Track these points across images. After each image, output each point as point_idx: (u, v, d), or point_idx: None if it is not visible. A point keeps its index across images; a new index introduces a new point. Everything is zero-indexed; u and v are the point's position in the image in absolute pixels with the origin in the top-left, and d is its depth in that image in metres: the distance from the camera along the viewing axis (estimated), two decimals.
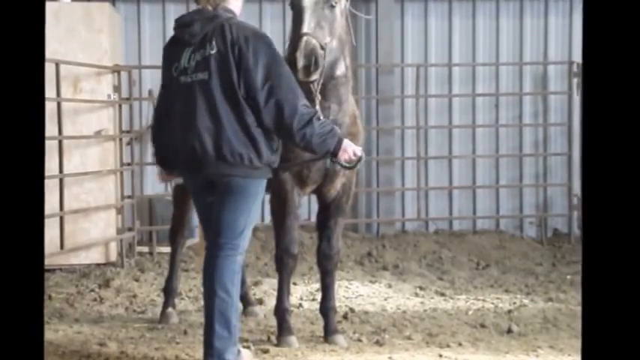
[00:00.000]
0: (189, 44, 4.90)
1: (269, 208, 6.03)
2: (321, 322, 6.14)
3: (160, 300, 7.08)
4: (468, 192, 11.16)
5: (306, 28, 5.27)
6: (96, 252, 9.00)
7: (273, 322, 6.11)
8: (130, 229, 9.47)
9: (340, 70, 5.64)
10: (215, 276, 4.84)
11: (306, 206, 8.65)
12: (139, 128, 10.14)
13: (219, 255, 4.86)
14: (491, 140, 11.17)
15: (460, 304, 7.49)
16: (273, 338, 5.94)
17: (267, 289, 7.72)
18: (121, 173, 9.36)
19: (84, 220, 8.91)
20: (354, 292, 7.96)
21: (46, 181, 6.11)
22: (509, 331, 6.45)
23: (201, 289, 5.19)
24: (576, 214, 10.83)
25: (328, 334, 5.99)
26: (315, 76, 5.29)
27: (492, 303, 7.54)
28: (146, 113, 10.30)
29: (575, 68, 10.76)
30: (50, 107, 8.23)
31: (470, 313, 7.16)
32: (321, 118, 5.08)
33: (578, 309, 7.16)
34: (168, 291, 6.72)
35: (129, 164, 9.56)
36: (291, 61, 5.17)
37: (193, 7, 5.12)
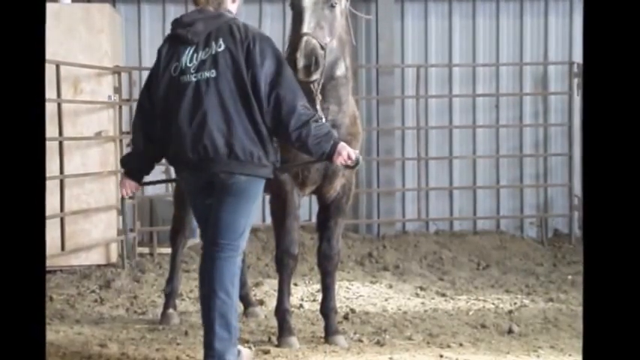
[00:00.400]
0: (191, 43, 4.90)
1: (269, 209, 6.04)
2: (321, 323, 6.14)
3: (161, 301, 7.08)
4: (468, 192, 11.16)
5: (306, 28, 5.27)
6: (96, 253, 9.00)
7: (273, 322, 6.11)
8: (130, 230, 9.47)
9: (340, 70, 5.64)
10: (216, 277, 4.84)
11: (306, 207, 8.65)
12: None
13: (220, 256, 4.86)
14: (492, 141, 11.17)
15: (461, 305, 7.49)
16: (274, 339, 5.95)
17: (267, 290, 7.72)
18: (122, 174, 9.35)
19: (84, 221, 8.91)
20: (355, 292, 7.96)
21: (47, 183, 6.11)
22: (510, 331, 6.45)
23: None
24: (577, 215, 10.82)
25: (329, 334, 5.99)
26: (315, 76, 5.29)
27: (493, 303, 7.54)
28: None
29: (575, 68, 10.76)
30: (50, 108, 8.23)
31: (470, 313, 7.16)
32: (321, 120, 5.08)
33: (579, 309, 7.17)
34: (169, 292, 6.72)
35: None
36: (292, 61, 5.18)
37: (192, 8, 5.11)
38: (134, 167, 5.22)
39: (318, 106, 5.42)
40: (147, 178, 5.34)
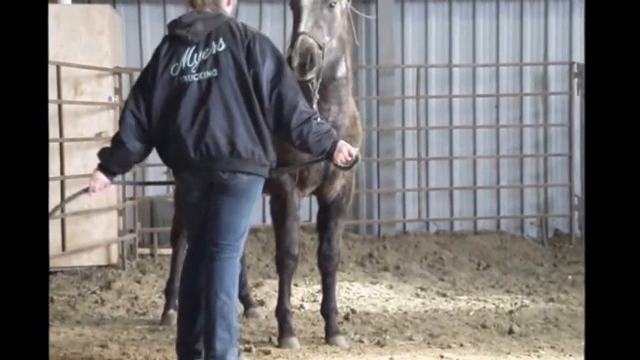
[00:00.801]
0: (191, 44, 4.90)
1: (269, 210, 6.05)
2: (322, 323, 6.15)
3: (162, 302, 7.09)
4: (468, 193, 11.16)
5: (302, 27, 5.27)
6: (97, 254, 9.01)
7: (274, 323, 6.12)
8: (131, 231, 9.48)
9: (341, 71, 5.64)
10: (216, 279, 4.84)
11: (307, 207, 8.65)
12: None
13: (220, 257, 4.85)
14: (492, 141, 11.17)
15: (461, 305, 7.49)
16: (275, 339, 5.95)
17: (268, 291, 7.72)
18: (122, 175, 9.35)
19: (85, 222, 8.91)
20: (356, 293, 7.96)
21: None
22: (511, 331, 6.46)
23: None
24: (577, 215, 10.83)
25: (329, 335, 6.00)
26: (310, 75, 5.28)
27: (493, 303, 7.55)
28: None
29: (575, 69, 10.76)
30: (51, 109, 8.22)
31: (471, 313, 7.17)
32: (319, 119, 5.09)
33: (580, 309, 7.18)
34: (170, 293, 6.73)
35: None
36: (288, 59, 5.19)
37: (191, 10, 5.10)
38: (113, 163, 5.08)
39: (315, 106, 5.42)
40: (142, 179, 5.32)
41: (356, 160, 5.09)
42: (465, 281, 8.68)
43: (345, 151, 4.99)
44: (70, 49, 8.72)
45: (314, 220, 6.38)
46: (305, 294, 7.78)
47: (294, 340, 5.85)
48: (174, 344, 5.18)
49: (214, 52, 4.85)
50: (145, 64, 10.67)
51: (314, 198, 6.21)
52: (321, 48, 5.28)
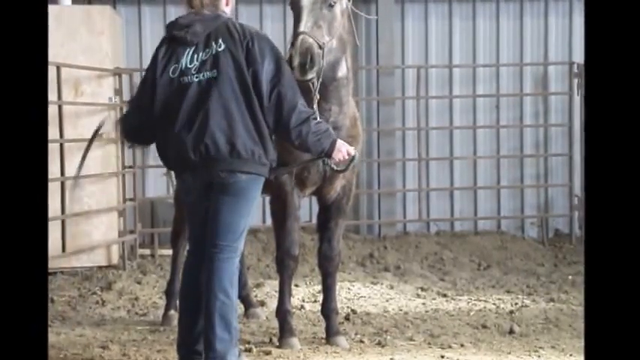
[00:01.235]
0: (190, 44, 4.90)
1: (269, 210, 6.05)
2: (322, 324, 6.15)
3: (162, 302, 7.09)
4: (469, 193, 11.16)
5: (302, 27, 5.28)
6: (98, 255, 9.01)
7: (274, 323, 6.12)
8: (131, 232, 9.48)
9: (342, 71, 5.63)
10: (215, 279, 4.84)
11: (307, 208, 8.66)
12: None
13: (219, 257, 4.85)
14: (492, 141, 11.17)
15: (462, 305, 7.49)
16: (275, 340, 5.95)
17: (268, 291, 7.73)
18: (123, 176, 9.37)
19: (86, 223, 8.92)
20: (356, 293, 7.96)
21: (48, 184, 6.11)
22: (511, 331, 6.46)
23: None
24: (577, 215, 10.83)
25: (330, 335, 6.00)
26: (311, 75, 5.28)
27: (494, 304, 7.55)
28: None
29: (575, 69, 10.77)
30: (51, 110, 8.24)
31: (472, 313, 7.17)
32: (318, 118, 5.10)
33: (580, 309, 7.18)
34: (171, 293, 6.73)
35: (130, 167, 9.57)
36: (288, 59, 5.19)
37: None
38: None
39: (315, 106, 5.42)
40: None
41: (352, 160, 5.11)
42: (465, 281, 8.69)
43: (344, 150, 5.05)
44: (70, 49, 8.72)
45: (314, 221, 6.38)
46: (306, 294, 7.78)
47: (295, 341, 5.85)
48: (175, 345, 5.19)
49: (214, 52, 4.85)
50: (145, 65, 10.73)
51: (314, 198, 6.21)
52: (321, 48, 5.28)
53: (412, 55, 11.13)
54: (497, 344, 6.07)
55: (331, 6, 5.40)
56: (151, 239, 10.00)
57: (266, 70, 4.84)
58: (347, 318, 6.82)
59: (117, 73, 9.13)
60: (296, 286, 7.76)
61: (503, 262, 9.73)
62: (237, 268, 4.97)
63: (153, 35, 10.56)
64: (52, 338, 6.04)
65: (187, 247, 5.26)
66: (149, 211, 10.37)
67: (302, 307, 7.27)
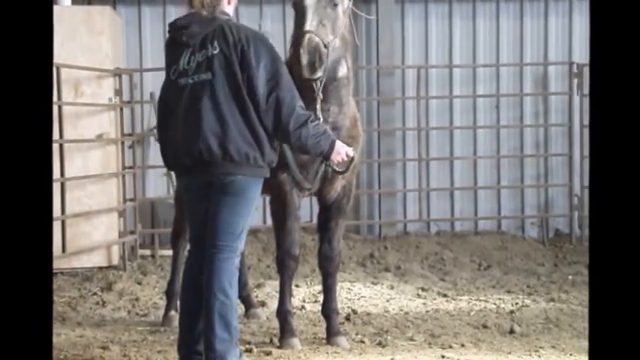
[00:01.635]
0: (188, 46, 4.91)
1: (270, 210, 6.04)
2: (323, 324, 6.15)
3: (163, 303, 7.09)
4: (469, 193, 11.16)
5: (308, 25, 5.27)
6: (98, 255, 9.01)
7: (275, 324, 6.12)
8: (132, 232, 9.48)
9: (342, 71, 5.63)
10: (214, 279, 4.84)
11: (307, 208, 8.66)
12: (141, 131, 10.17)
13: (219, 257, 4.86)
14: (492, 141, 11.18)
15: (462, 305, 7.49)
16: (276, 340, 5.95)
17: (269, 292, 7.73)
18: (123, 176, 9.37)
19: (86, 224, 8.92)
20: (357, 293, 7.96)
21: None
22: (512, 331, 6.46)
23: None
24: (577, 214, 10.83)
25: (330, 335, 6.00)
26: (319, 74, 5.28)
27: (494, 304, 7.55)
28: (147, 116, 10.33)
29: (575, 69, 10.76)
30: None
31: (472, 313, 7.17)
32: (321, 118, 5.10)
33: (580, 309, 7.19)
34: (171, 294, 6.73)
35: (131, 167, 9.57)
36: (295, 58, 5.17)
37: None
38: None
39: (319, 106, 5.42)
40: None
41: (352, 161, 5.12)
42: (465, 281, 8.68)
43: (343, 152, 5.06)
44: (70, 50, 8.72)
45: (315, 221, 6.38)
46: (306, 295, 7.78)
47: (296, 341, 5.85)
48: (176, 345, 5.19)
49: (209, 54, 4.86)
50: (145, 66, 10.79)
51: (315, 198, 6.21)
52: (325, 46, 5.28)
53: (412, 55, 11.12)
54: (497, 344, 6.07)
55: (335, 5, 5.41)
56: (152, 240, 10.00)
57: (262, 73, 4.81)
58: (347, 318, 6.82)
59: (117, 73, 9.13)
60: (296, 286, 7.77)
61: (504, 262, 9.72)
62: (237, 268, 4.97)
63: (153, 36, 10.58)
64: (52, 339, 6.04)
65: (188, 248, 5.27)
66: (149, 211, 10.37)
67: (302, 307, 7.27)
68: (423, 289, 8.17)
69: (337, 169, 5.38)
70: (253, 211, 5.07)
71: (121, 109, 9.27)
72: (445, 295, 7.92)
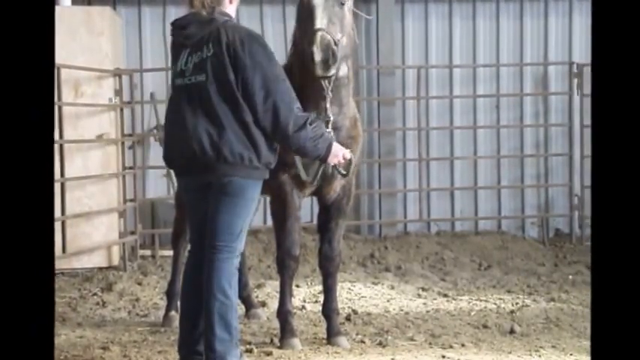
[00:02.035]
0: (186, 46, 4.92)
1: (270, 210, 6.04)
2: (323, 324, 6.15)
3: (163, 303, 7.08)
4: (469, 193, 11.16)
5: (319, 23, 5.25)
6: (98, 256, 9.01)
7: (275, 324, 6.12)
8: (132, 233, 9.48)
9: (343, 71, 5.61)
10: (213, 280, 4.84)
11: (308, 208, 8.66)
12: (141, 132, 10.17)
13: (218, 258, 4.86)
14: (493, 141, 11.18)
15: (463, 305, 7.49)
16: (276, 340, 5.95)
17: (269, 292, 7.73)
18: (123, 177, 9.37)
19: (86, 224, 8.92)
20: (357, 293, 7.96)
21: None
22: (512, 331, 6.46)
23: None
24: (577, 214, 10.83)
25: (331, 335, 5.99)
26: (332, 71, 5.27)
27: (495, 303, 7.55)
28: (148, 116, 10.33)
29: (575, 69, 10.76)
30: None
31: (472, 313, 7.17)
32: (331, 118, 5.09)
33: (580, 309, 7.19)
34: (171, 294, 6.73)
35: (131, 168, 9.57)
36: (308, 56, 5.15)
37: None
38: None
39: (328, 105, 5.41)
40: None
41: (350, 163, 5.12)
42: (466, 281, 8.68)
43: (340, 155, 5.06)
44: (70, 50, 8.71)
45: (315, 221, 6.38)
46: (306, 295, 7.78)
47: (296, 341, 5.84)
48: (176, 346, 5.19)
49: (204, 56, 4.86)
50: (145, 66, 10.79)
51: (315, 199, 6.21)
52: (336, 44, 5.28)
53: (412, 55, 11.12)
54: (498, 344, 6.07)
55: (342, 4, 5.41)
56: (152, 240, 10.00)
57: (258, 75, 4.79)
58: (348, 318, 6.82)
59: (117, 73, 9.13)
60: (297, 286, 7.77)
61: (504, 262, 9.72)
62: (237, 269, 4.97)
63: (153, 36, 10.58)
64: None
65: (188, 248, 5.27)
66: (150, 211, 10.37)
67: (303, 307, 7.27)
68: (423, 289, 8.17)
69: (342, 171, 5.35)
70: (253, 212, 5.07)
71: (121, 110, 9.27)
72: (445, 295, 7.92)
